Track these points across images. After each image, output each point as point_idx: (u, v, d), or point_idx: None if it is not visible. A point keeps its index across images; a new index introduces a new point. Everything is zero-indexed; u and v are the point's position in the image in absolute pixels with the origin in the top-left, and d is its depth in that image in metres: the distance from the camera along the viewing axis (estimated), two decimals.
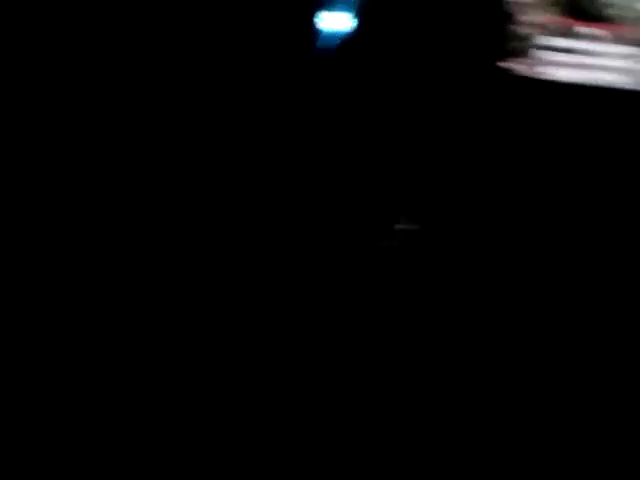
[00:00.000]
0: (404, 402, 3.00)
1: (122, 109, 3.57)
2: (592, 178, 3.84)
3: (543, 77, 3.98)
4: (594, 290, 3.56)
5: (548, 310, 3.46)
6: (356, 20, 3.79)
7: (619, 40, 3.95)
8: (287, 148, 3.75)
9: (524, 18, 3.95)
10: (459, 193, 3.81)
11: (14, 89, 3.45)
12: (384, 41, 3.86)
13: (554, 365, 3.25)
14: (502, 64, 3.99)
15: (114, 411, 2.84)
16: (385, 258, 3.54)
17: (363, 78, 3.88)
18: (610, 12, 3.92)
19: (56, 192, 3.40)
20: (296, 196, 3.68)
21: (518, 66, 3.97)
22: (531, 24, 3.96)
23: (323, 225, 3.63)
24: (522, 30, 3.96)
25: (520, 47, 3.97)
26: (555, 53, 3.99)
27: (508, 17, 3.95)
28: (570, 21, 3.97)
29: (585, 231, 3.75)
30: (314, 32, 3.79)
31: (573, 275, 3.60)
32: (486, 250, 3.63)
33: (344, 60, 3.85)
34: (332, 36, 3.79)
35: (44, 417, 2.78)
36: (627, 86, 3.94)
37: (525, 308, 3.45)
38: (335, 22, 3.78)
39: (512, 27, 3.95)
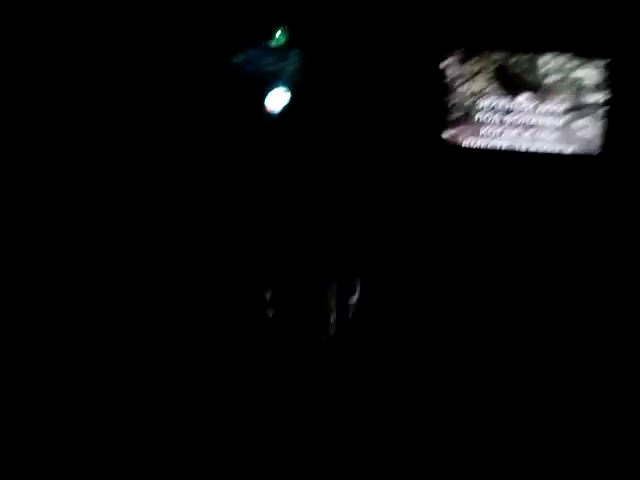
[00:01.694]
0: None
1: None
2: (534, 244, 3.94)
3: (482, 145, 4.08)
4: None
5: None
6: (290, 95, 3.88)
7: (554, 107, 4.06)
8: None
9: (462, 88, 4.05)
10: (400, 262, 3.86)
11: None
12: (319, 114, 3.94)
13: None
14: (443, 133, 4.08)
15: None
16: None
17: (305, 147, 3.94)
18: (546, 80, 4.04)
19: None
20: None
21: (458, 135, 4.07)
22: (469, 94, 4.06)
23: None
24: (461, 100, 4.06)
25: (459, 116, 4.07)
26: (493, 121, 4.09)
27: (447, 87, 4.05)
28: (507, 90, 4.08)
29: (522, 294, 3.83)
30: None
31: None
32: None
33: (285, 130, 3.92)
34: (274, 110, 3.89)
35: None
36: (562, 151, 4.05)
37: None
38: (275, 99, 3.87)
39: (451, 97, 4.05)
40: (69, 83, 3.57)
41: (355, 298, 3.56)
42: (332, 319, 3.44)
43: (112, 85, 3.66)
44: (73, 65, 3.57)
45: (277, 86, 3.91)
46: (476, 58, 4.06)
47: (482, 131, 4.09)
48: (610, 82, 3.99)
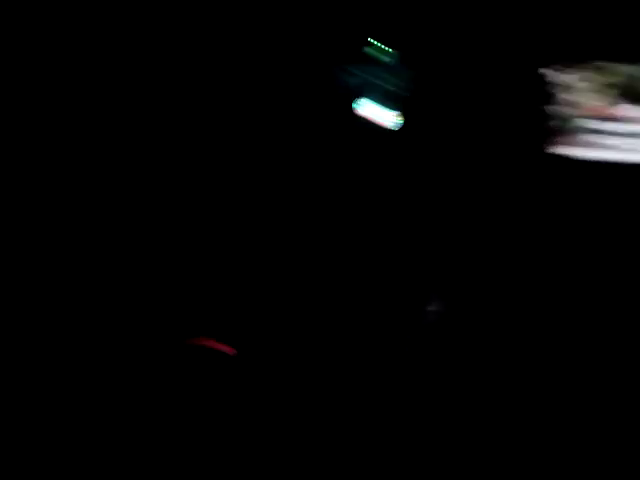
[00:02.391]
0: None
1: None
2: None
3: (586, 156, 3.94)
4: None
5: None
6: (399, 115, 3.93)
7: None
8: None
9: (565, 97, 3.96)
10: (495, 272, 3.76)
11: None
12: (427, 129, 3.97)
13: None
14: (547, 145, 3.99)
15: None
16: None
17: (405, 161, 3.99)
18: None
19: None
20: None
21: (563, 147, 3.96)
22: (577, 105, 3.96)
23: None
24: (567, 111, 3.96)
25: (565, 128, 3.96)
26: (599, 135, 3.94)
27: (549, 96, 3.97)
28: (612, 99, 3.93)
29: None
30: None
31: None
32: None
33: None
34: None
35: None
36: None
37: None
38: (376, 114, 3.94)
39: (557, 108, 3.97)
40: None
41: (449, 312, 3.52)
42: (427, 332, 3.43)
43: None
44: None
45: (379, 101, 4.01)
46: (580, 66, 3.94)
47: (586, 141, 3.94)
48: None
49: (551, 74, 3.98)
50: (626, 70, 3.93)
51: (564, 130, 3.96)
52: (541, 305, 3.68)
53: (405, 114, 4.03)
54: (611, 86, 3.94)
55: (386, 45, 4.04)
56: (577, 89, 3.94)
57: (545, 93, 3.97)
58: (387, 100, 4.01)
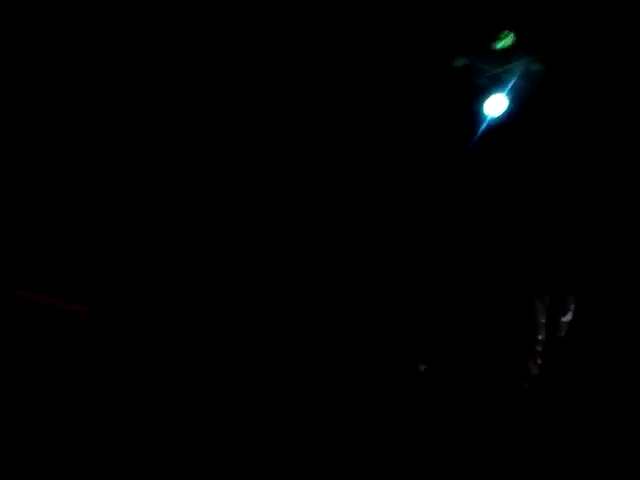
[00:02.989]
0: None
1: None
2: None
3: None
4: None
5: None
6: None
7: None
8: None
9: None
10: None
11: None
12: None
13: None
14: None
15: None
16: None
17: None
18: None
19: None
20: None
21: None
22: None
23: None
24: None
25: None
26: None
27: None
28: None
29: None
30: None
31: None
32: None
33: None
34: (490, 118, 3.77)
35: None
36: None
37: None
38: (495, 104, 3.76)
39: None
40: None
41: (568, 317, 3.37)
42: (541, 337, 3.31)
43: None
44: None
45: (498, 91, 3.81)
46: None
47: None
48: None
49: None
50: None
51: None
52: None
53: (519, 105, 3.83)
54: None
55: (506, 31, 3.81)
56: None
57: None
58: (502, 87, 3.81)
